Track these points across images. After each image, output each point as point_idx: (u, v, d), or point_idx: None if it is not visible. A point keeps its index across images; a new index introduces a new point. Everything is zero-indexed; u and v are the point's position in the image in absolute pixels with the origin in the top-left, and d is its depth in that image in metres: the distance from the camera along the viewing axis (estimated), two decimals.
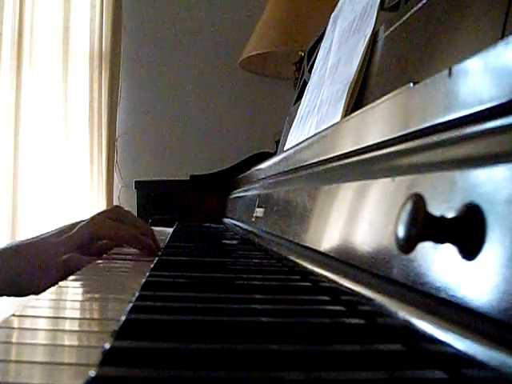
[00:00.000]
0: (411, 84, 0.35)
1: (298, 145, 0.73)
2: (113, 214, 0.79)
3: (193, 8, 2.42)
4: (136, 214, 1.79)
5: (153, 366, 0.25)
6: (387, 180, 0.35)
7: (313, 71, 1.06)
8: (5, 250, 0.75)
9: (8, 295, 0.72)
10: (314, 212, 0.53)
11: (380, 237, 0.34)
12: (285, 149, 0.98)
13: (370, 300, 0.33)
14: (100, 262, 0.67)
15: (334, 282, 0.40)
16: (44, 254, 0.72)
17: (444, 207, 0.26)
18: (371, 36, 0.72)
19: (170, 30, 2.42)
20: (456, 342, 0.23)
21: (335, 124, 0.57)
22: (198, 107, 2.42)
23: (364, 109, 0.46)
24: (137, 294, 0.38)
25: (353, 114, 0.49)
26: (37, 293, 0.71)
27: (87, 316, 0.40)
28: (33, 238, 0.77)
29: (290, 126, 1.09)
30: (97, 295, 0.47)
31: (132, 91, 2.42)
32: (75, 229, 0.74)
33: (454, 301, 0.25)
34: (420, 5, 0.58)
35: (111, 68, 2.33)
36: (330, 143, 0.56)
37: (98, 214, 0.79)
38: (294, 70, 1.81)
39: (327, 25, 1.04)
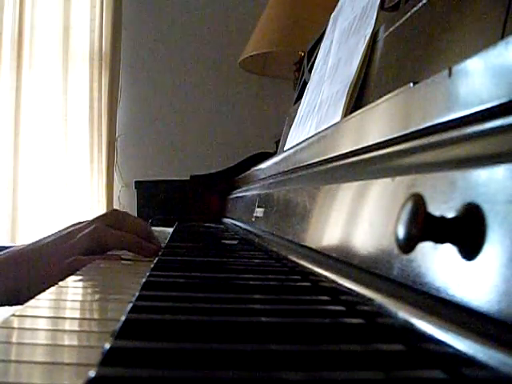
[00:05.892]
0: (411, 84, 0.35)
1: (297, 145, 0.73)
2: (113, 219, 0.77)
3: (193, 8, 2.42)
4: (136, 214, 1.80)
5: (153, 365, 0.25)
6: (387, 180, 0.35)
7: (313, 71, 1.06)
8: (3, 259, 0.73)
9: (7, 305, 0.71)
10: (314, 212, 0.53)
11: (380, 237, 0.34)
12: (285, 149, 0.98)
13: (369, 300, 0.33)
14: (100, 262, 0.68)
15: (334, 282, 0.40)
16: (46, 264, 0.70)
17: (444, 207, 0.26)
18: (371, 36, 0.72)
19: (170, 30, 2.42)
20: (456, 341, 0.23)
21: (335, 124, 0.57)
22: (197, 107, 2.42)
23: (364, 109, 0.46)
24: (137, 294, 0.38)
25: (353, 114, 0.49)
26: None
27: (87, 316, 0.40)
28: (31, 244, 0.75)
29: (290, 126, 1.09)
30: (97, 295, 0.47)
31: (132, 91, 2.42)
32: (77, 237, 0.72)
33: (454, 301, 0.25)
34: (420, 5, 0.58)
35: (111, 68, 2.33)
36: (330, 143, 0.56)
37: (98, 219, 0.76)
38: (294, 70, 1.81)
39: (327, 25, 1.04)
